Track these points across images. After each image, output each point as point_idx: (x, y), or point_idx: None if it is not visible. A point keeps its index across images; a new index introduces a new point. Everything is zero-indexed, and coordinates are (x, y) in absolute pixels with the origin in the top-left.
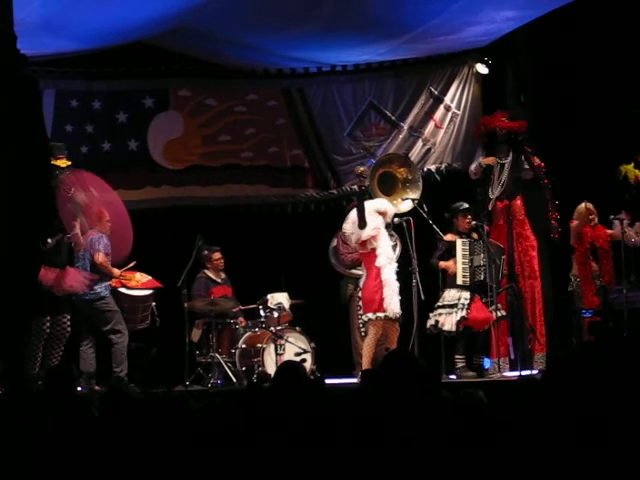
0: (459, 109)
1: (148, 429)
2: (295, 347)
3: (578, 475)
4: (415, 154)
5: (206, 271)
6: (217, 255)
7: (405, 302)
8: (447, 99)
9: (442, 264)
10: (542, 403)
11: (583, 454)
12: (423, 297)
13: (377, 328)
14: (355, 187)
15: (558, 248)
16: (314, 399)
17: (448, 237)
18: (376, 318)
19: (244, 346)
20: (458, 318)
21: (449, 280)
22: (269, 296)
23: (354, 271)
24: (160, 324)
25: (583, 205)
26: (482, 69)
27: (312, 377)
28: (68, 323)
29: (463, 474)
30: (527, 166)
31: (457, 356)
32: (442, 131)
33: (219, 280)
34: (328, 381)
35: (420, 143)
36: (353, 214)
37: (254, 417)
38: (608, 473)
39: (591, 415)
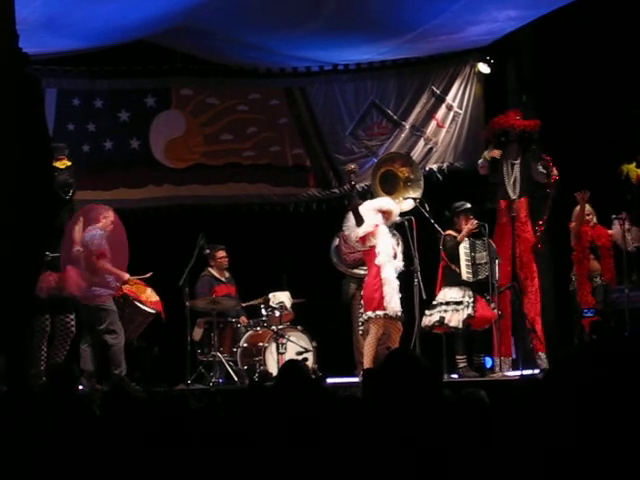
0: (461, 108)
1: (150, 428)
2: (297, 346)
3: (579, 475)
4: (417, 153)
5: (210, 269)
6: (221, 253)
7: (406, 301)
8: (449, 98)
9: (463, 232)
10: (544, 403)
11: (585, 454)
12: (425, 296)
13: (378, 327)
14: (357, 186)
15: (560, 248)
16: (316, 398)
17: (448, 233)
18: (375, 316)
19: (246, 345)
20: (465, 316)
21: (449, 278)
22: (271, 295)
23: (356, 271)
24: (162, 323)
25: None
26: (484, 68)
27: (313, 376)
28: (72, 322)
29: (464, 474)
30: (543, 170)
31: (458, 356)
32: (444, 130)
33: (223, 279)
34: (329, 380)
35: (422, 142)
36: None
37: (256, 416)
38: (610, 473)
39: (593, 415)
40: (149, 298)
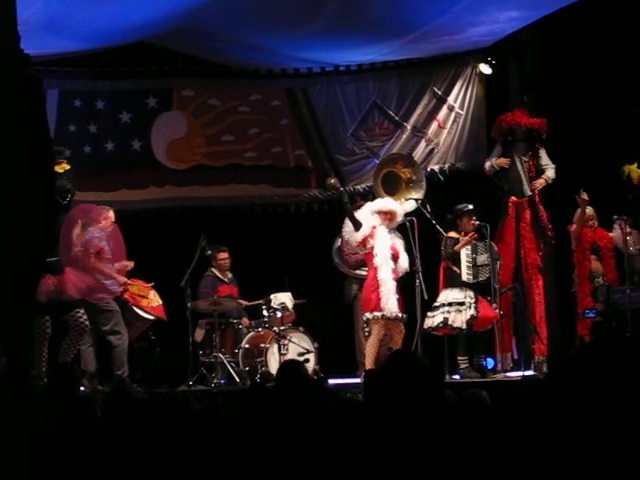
0: (462, 109)
1: (151, 429)
2: (298, 347)
3: (581, 476)
4: (418, 154)
5: (213, 269)
6: (222, 255)
7: (408, 302)
8: (450, 99)
9: (461, 243)
10: (545, 403)
11: (586, 455)
12: (426, 297)
13: (379, 327)
14: (359, 187)
15: (563, 250)
16: (315, 397)
17: (451, 234)
18: (374, 317)
19: (247, 346)
20: (468, 316)
21: (450, 279)
22: (272, 296)
23: (358, 272)
24: (163, 325)
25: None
26: (486, 69)
27: (315, 377)
28: (84, 317)
29: (466, 474)
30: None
31: (460, 357)
32: (445, 131)
33: (226, 279)
34: (331, 381)
35: (423, 143)
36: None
37: (257, 417)
38: (612, 473)
39: (595, 415)
40: (150, 303)
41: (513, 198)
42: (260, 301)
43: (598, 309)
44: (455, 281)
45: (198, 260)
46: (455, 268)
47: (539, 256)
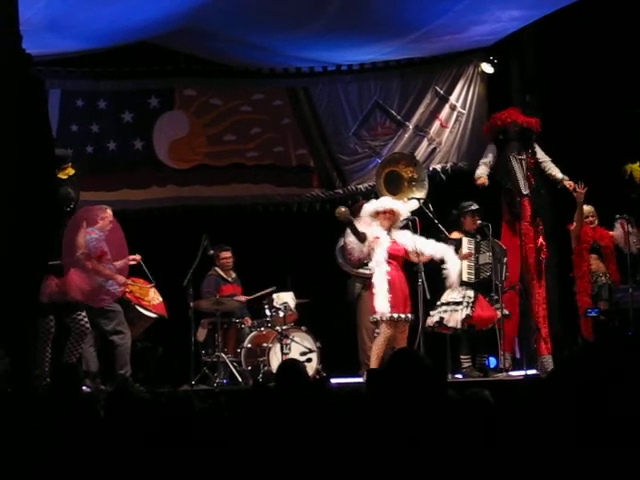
0: (464, 108)
1: (154, 428)
2: (301, 346)
3: (584, 476)
4: (420, 153)
5: (217, 269)
6: (225, 254)
7: (410, 301)
8: (452, 98)
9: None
10: (548, 403)
11: (589, 454)
12: (429, 296)
13: (386, 328)
14: (361, 187)
15: (564, 248)
16: (316, 397)
17: (454, 235)
18: (373, 320)
19: (250, 345)
20: (463, 316)
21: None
22: (275, 295)
23: (361, 270)
24: (165, 324)
25: (583, 207)
26: (487, 68)
27: (317, 377)
28: (85, 319)
29: (468, 474)
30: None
31: (462, 356)
32: (447, 130)
33: (229, 279)
34: (334, 381)
35: (425, 142)
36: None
37: (260, 416)
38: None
39: (598, 415)
40: (152, 301)
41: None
42: (263, 292)
43: (601, 308)
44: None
45: (200, 260)
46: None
47: (541, 255)
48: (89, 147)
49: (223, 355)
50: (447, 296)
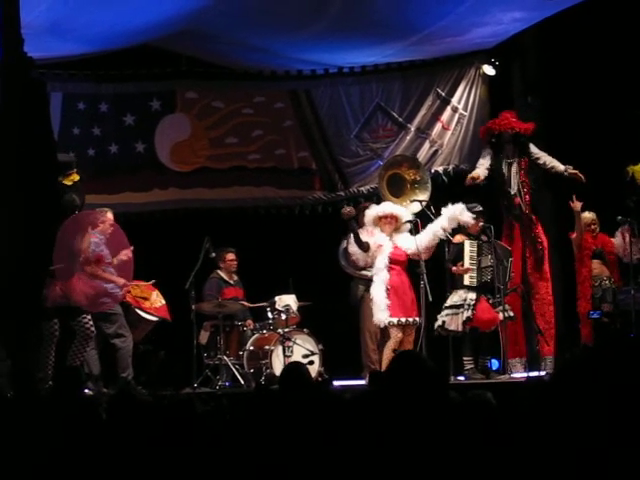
0: (466, 110)
1: (156, 431)
2: (303, 349)
3: (586, 476)
4: (422, 156)
5: (219, 271)
6: (231, 256)
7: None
8: (454, 100)
9: (453, 269)
10: (550, 404)
11: (591, 455)
12: (431, 298)
13: (396, 332)
14: (362, 189)
15: (567, 252)
16: (319, 400)
17: (457, 238)
18: (389, 323)
19: (252, 348)
20: (464, 318)
21: (455, 281)
22: (277, 298)
23: (364, 272)
24: (168, 327)
25: (585, 214)
26: (489, 70)
27: (320, 379)
28: (90, 322)
29: (471, 475)
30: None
31: (465, 358)
32: (449, 132)
33: (231, 282)
34: (336, 383)
35: (427, 145)
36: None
37: (262, 419)
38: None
39: (599, 416)
40: (153, 304)
41: (516, 198)
42: (264, 303)
43: (605, 310)
44: (458, 283)
45: (202, 262)
46: (454, 267)
47: (547, 255)
48: (91, 150)
49: (225, 358)
50: (451, 299)
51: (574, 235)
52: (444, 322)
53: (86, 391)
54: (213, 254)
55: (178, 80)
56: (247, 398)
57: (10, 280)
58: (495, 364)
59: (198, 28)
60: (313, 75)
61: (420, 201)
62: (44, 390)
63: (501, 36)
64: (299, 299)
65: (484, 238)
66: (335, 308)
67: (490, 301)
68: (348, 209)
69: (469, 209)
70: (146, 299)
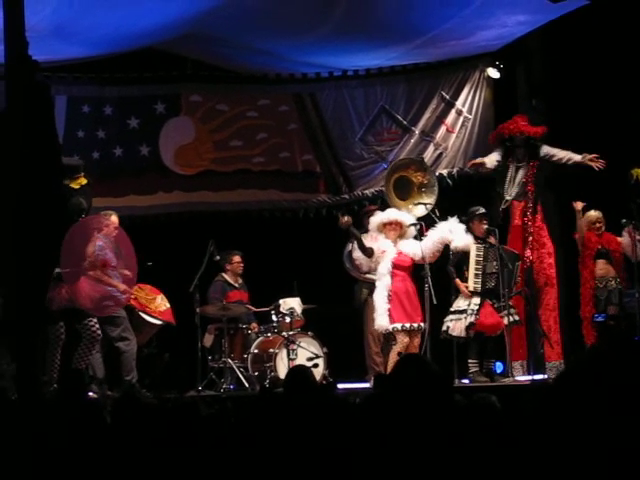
0: (471, 113)
1: (160, 434)
2: (307, 352)
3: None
4: (427, 159)
5: (224, 275)
6: (237, 258)
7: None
8: (459, 103)
9: (457, 281)
10: (555, 408)
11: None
12: (435, 301)
13: (402, 337)
14: (367, 192)
15: (570, 255)
16: (323, 403)
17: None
18: (394, 329)
19: (256, 351)
20: (467, 324)
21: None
22: (281, 301)
23: (369, 276)
24: (172, 330)
25: (591, 213)
26: (494, 73)
27: (324, 382)
28: (96, 325)
29: (476, 478)
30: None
31: (470, 361)
32: (454, 135)
33: (236, 285)
34: (340, 386)
35: (432, 148)
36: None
37: (267, 422)
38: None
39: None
40: (158, 307)
41: (520, 202)
42: (268, 308)
43: (611, 313)
44: None
45: (207, 265)
46: (457, 279)
47: (553, 260)
48: (95, 153)
49: (230, 361)
50: (456, 304)
51: (577, 235)
52: (448, 327)
53: (90, 394)
54: (217, 257)
55: (183, 83)
56: (251, 401)
57: (16, 284)
58: (500, 367)
59: (203, 31)
60: (318, 78)
61: (425, 204)
62: (49, 393)
63: (506, 39)
64: (303, 302)
65: (491, 240)
66: (339, 311)
67: (495, 305)
68: (345, 219)
69: (472, 212)
70: (151, 302)
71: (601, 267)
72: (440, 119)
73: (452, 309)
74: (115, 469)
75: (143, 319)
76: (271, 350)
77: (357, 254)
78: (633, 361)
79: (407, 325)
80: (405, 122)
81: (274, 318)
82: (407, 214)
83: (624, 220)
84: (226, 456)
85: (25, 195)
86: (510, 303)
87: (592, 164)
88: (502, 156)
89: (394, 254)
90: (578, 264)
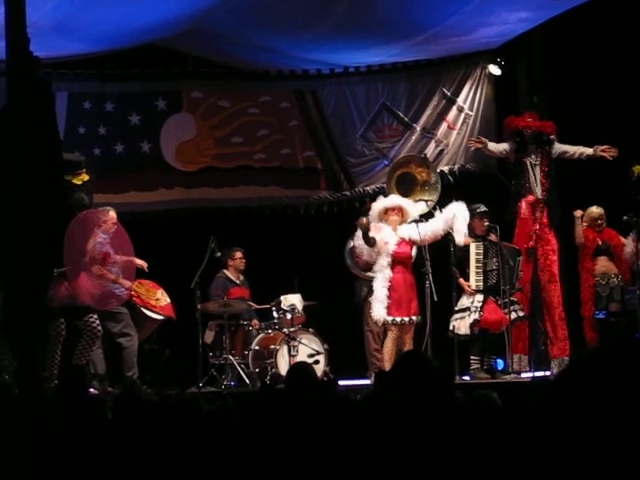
0: (472, 110)
1: (161, 431)
2: (308, 349)
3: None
4: (428, 155)
5: (225, 271)
6: (239, 254)
7: (418, 303)
8: (460, 100)
9: (461, 281)
10: (556, 405)
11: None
12: (436, 298)
13: (392, 330)
14: (368, 189)
15: (572, 252)
16: (325, 400)
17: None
18: (384, 322)
19: (257, 348)
20: (471, 321)
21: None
22: (282, 298)
23: (369, 274)
24: (173, 326)
25: (593, 209)
26: (495, 70)
27: (325, 379)
28: (97, 322)
29: (476, 475)
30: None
31: (472, 357)
32: (455, 132)
33: (238, 281)
34: (341, 383)
35: (433, 144)
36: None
37: (267, 418)
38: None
39: (605, 417)
40: (159, 302)
41: (528, 198)
42: (269, 304)
43: (612, 310)
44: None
45: (208, 262)
46: (461, 279)
47: (557, 258)
48: (96, 149)
49: (231, 357)
50: (460, 303)
51: (576, 242)
52: (454, 327)
53: (91, 390)
54: (219, 254)
55: (184, 80)
56: (252, 397)
57: (16, 280)
58: (501, 364)
59: (204, 28)
60: (319, 75)
61: (426, 201)
62: (49, 389)
63: (507, 36)
64: (304, 299)
65: (492, 237)
66: (340, 308)
67: (499, 302)
68: (364, 220)
69: (473, 210)
70: (152, 298)
71: (603, 264)
72: (441, 116)
73: (456, 308)
74: (116, 465)
75: (145, 315)
76: (272, 347)
77: (359, 242)
78: (634, 358)
79: (398, 319)
80: (406, 119)
81: (275, 315)
82: (411, 202)
83: (625, 217)
84: (227, 452)
85: (26, 192)
86: (514, 299)
87: (605, 154)
88: (512, 150)
89: (394, 244)
90: (578, 264)
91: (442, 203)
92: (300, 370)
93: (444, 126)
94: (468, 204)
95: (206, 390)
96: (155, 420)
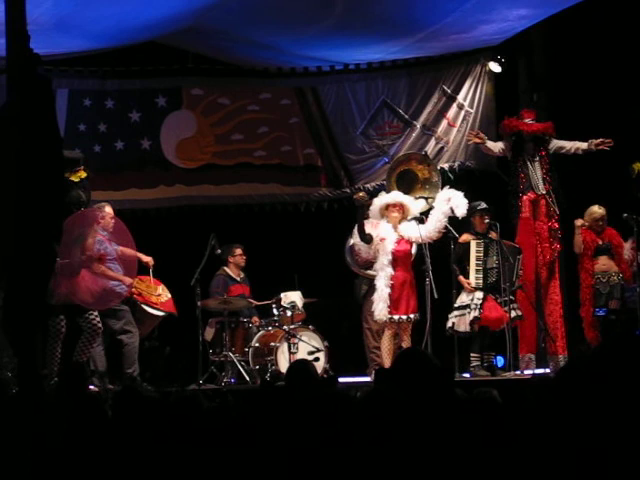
0: (472, 107)
1: (161, 428)
2: (308, 346)
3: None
4: (428, 153)
5: (226, 269)
6: (240, 250)
7: (418, 301)
8: (460, 97)
9: (461, 278)
10: (556, 402)
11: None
12: (436, 296)
13: (389, 328)
14: (368, 186)
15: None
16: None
17: (463, 238)
18: (379, 321)
19: (257, 345)
20: (471, 318)
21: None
22: (282, 295)
23: (369, 271)
24: (173, 323)
25: (594, 209)
26: (495, 67)
27: (325, 376)
28: (97, 319)
29: (476, 473)
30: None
31: (473, 354)
32: (455, 130)
33: (238, 279)
34: (341, 380)
35: (433, 142)
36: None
37: (267, 416)
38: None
39: (604, 414)
40: (160, 299)
41: (529, 195)
42: (269, 302)
43: (612, 307)
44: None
45: (208, 259)
46: (461, 277)
47: (555, 254)
48: (97, 147)
49: (231, 354)
50: (459, 300)
51: (575, 249)
52: (453, 324)
53: (91, 387)
54: (219, 251)
55: (184, 77)
56: (252, 395)
57: (15, 278)
58: (501, 361)
59: (204, 25)
60: (319, 72)
61: (426, 198)
62: (49, 387)
63: (507, 33)
64: (305, 296)
65: (492, 235)
66: (341, 305)
67: (498, 300)
68: (362, 193)
69: (473, 207)
70: (152, 294)
71: (604, 262)
72: (441, 113)
73: (456, 305)
74: (116, 463)
75: (146, 311)
76: (272, 344)
77: (357, 240)
78: (633, 355)
79: (395, 317)
80: (406, 116)
81: (275, 312)
82: (412, 199)
83: (625, 214)
84: (227, 450)
85: (26, 189)
86: (512, 298)
87: (600, 148)
88: (509, 149)
89: (394, 242)
90: (577, 264)
91: None
92: (300, 367)
93: (444, 123)
94: (468, 202)
95: (206, 387)
96: (155, 417)
